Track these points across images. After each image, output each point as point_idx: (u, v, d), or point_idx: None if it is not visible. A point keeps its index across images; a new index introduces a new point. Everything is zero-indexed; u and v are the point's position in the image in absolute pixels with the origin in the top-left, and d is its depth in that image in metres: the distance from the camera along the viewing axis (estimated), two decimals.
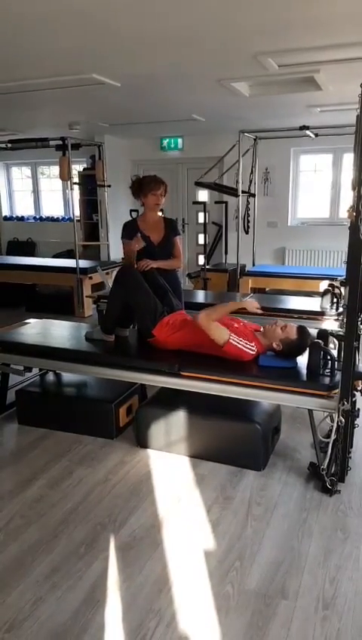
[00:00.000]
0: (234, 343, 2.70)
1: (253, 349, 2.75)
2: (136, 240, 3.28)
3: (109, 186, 6.73)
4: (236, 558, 2.07)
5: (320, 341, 2.68)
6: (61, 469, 2.76)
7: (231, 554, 2.09)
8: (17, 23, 2.91)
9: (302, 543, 2.15)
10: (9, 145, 6.43)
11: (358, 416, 2.67)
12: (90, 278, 6.30)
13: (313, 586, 1.92)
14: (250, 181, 6.41)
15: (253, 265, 6.67)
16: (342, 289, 4.01)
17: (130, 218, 3.71)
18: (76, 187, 7.47)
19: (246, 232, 6.47)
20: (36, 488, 2.58)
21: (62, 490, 2.56)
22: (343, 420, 2.43)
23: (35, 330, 3.71)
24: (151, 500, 2.47)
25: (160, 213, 3.62)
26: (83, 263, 6.44)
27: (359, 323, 2.47)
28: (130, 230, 3.43)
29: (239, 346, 2.72)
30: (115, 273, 3.21)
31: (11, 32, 3.05)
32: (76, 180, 7.45)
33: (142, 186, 3.37)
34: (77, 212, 7.78)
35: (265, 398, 2.71)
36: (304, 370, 2.69)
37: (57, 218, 9.15)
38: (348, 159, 6.84)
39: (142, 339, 3.14)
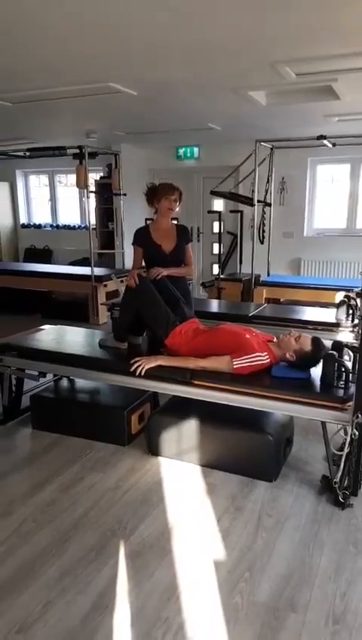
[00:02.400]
0: (240, 364, 2.71)
1: (265, 358, 2.75)
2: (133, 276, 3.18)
3: (125, 194, 6.80)
4: (246, 569, 2.05)
5: (334, 352, 2.67)
6: (73, 474, 2.78)
7: (240, 565, 2.08)
8: (35, 33, 2.96)
9: (312, 557, 2.13)
10: (27, 153, 6.54)
11: None
12: (105, 285, 6.36)
13: (323, 600, 1.90)
14: (266, 191, 6.41)
15: (268, 275, 6.65)
16: (358, 300, 3.99)
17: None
18: (92, 195, 7.56)
19: (262, 242, 6.46)
20: (48, 492, 2.60)
21: (74, 495, 2.58)
22: (357, 433, 2.40)
23: (49, 336, 3.75)
24: (161, 507, 2.47)
25: (174, 222, 3.63)
26: (98, 271, 6.50)
27: None
28: (141, 237, 3.46)
29: (246, 364, 2.71)
30: None
31: (29, 42, 3.11)
32: (92, 188, 7.53)
33: (156, 192, 3.39)
34: (93, 220, 7.86)
35: (278, 409, 2.70)
36: (317, 382, 2.67)
37: (74, 226, 9.26)
38: None
39: (154, 346, 3.15)
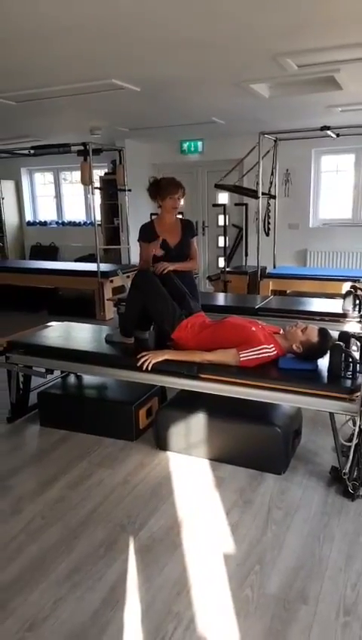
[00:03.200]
0: (246, 357, 2.69)
1: (271, 350, 2.73)
2: (154, 244, 3.29)
3: (130, 190, 6.79)
4: (256, 562, 2.05)
5: (341, 343, 2.64)
6: (81, 470, 2.78)
7: (250, 557, 2.08)
8: (39, 31, 2.96)
9: (322, 548, 2.12)
10: (32, 151, 6.55)
11: None
12: (111, 281, 6.37)
13: (334, 591, 1.89)
14: (271, 183, 6.38)
15: (274, 267, 6.62)
16: None
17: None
18: (97, 192, 7.56)
19: (267, 234, 6.43)
20: (57, 489, 2.61)
21: (83, 491, 2.58)
22: None
23: (56, 333, 3.75)
24: (170, 502, 2.47)
25: (179, 216, 3.62)
26: (104, 267, 6.51)
27: None
28: (147, 232, 3.44)
29: (253, 356, 2.69)
30: None
31: (33, 40, 3.11)
32: (97, 184, 7.53)
33: (159, 189, 3.36)
34: (98, 216, 7.86)
35: (286, 400, 2.68)
36: (325, 373, 2.65)
37: (79, 223, 9.27)
38: None
39: (161, 341, 3.14)
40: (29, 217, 9.71)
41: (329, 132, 5.43)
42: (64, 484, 2.65)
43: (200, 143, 7.77)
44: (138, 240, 3.49)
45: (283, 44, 3.27)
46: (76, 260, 8.44)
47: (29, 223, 9.70)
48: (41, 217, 9.74)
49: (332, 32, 3.04)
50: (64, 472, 2.77)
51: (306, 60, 3.59)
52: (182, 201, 3.43)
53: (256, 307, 4.35)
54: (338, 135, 5.67)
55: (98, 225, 7.19)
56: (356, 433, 2.42)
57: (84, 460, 2.88)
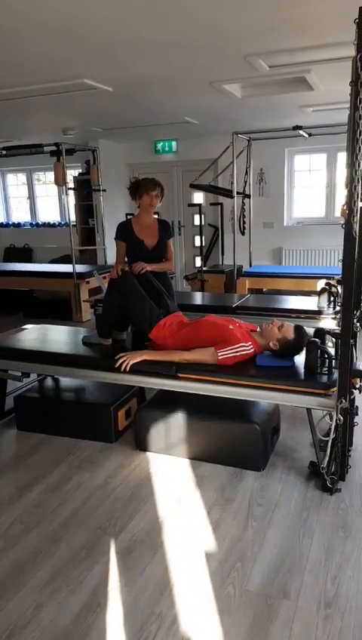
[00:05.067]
0: (224, 355, 2.70)
1: (249, 347, 2.75)
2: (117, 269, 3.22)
3: (104, 190, 6.74)
4: (237, 559, 2.06)
5: (317, 340, 2.68)
6: (61, 474, 2.75)
7: (232, 555, 2.09)
8: (8, 30, 2.91)
9: (302, 543, 2.15)
10: (3, 152, 6.44)
11: (357, 414, 2.67)
12: (88, 282, 6.31)
13: (314, 585, 1.91)
14: (245, 182, 6.42)
15: (250, 266, 6.67)
16: (339, 287, 4.02)
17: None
18: (71, 192, 7.48)
19: (243, 233, 6.47)
20: (36, 494, 2.57)
21: (62, 495, 2.56)
22: (342, 418, 2.43)
23: (32, 335, 3.70)
24: (151, 502, 2.47)
25: (155, 216, 3.62)
26: (80, 268, 6.45)
27: (355, 320, 2.47)
28: (123, 231, 3.43)
29: (231, 354, 2.71)
30: None
31: (2, 39, 3.06)
32: (71, 185, 7.45)
33: (138, 187, 3.38)
34: (73, 217, 7.78)
35: (264, 398, 2.70)
36: (301, 369, 2.69)
37: (54, 224, 9.16)
38: (342, 158, 6.85)
39: (139, 341, 3.13)
40: (1, 219, 9.55)
41: (301, 132, 5.50)
42: (43, 489, 2.61)
43: (174, 143, 7.76)
44: (115, 238, 3.47)
45: (254, 45, 3.29)
46: (51, 262, 8.34)
47: (1, 225, 9.54)
48: (15, 219, 9.59)
49: (302, 33, 3.07)
50: (43, 476, 2.73)
51: (277, 60, 3.62)
52: (160, 203, 3.44)
53: (233, 306, 4.37)
54: (310, 135, 5.74)
55: (73, 226, 7.12)
56: (333, 428, 2.46)
57: (62, 464, 2.85)
